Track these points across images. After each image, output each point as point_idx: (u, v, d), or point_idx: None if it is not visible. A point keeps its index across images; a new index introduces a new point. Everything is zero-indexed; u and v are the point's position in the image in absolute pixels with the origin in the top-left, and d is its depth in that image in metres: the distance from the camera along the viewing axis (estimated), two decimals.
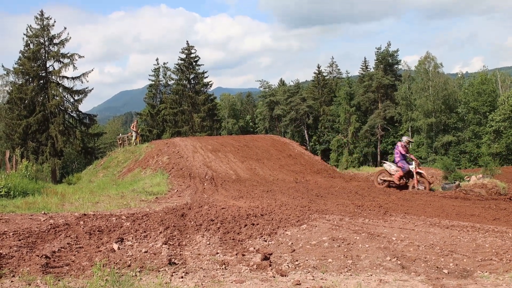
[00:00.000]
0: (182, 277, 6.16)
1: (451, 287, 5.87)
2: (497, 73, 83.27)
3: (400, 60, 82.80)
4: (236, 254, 7.44)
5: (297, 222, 10.01)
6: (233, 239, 8.56)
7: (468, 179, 20.69)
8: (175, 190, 17.02)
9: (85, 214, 10.95)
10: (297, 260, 7.15)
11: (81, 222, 9.89)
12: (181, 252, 7.67)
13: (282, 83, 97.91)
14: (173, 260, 6.99)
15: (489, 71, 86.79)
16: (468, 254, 7.69)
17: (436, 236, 8.95)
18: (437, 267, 6.90)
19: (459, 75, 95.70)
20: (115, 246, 7.84)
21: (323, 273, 6.44)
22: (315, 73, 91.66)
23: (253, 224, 9.77)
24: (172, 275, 6.24)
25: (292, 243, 8.20)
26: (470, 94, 71.34)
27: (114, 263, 6.82)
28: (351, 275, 6.40)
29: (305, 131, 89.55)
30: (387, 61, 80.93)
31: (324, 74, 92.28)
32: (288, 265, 6.90)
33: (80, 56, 51.06)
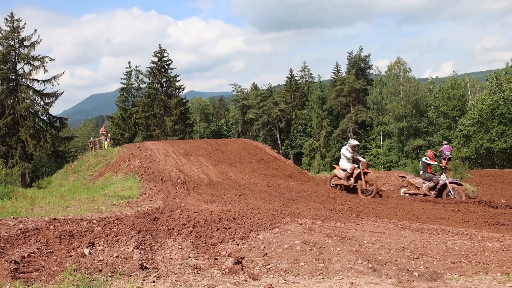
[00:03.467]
0: (153, 282, 6.14)
1: None
2: (466, 78, 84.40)
3: (372, 65, 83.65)
4: (208, 258, 7.43)
5: (269, 225, 10.03)
6: (205, 243, 8.55)
7: None
8: (147, 194, 16.92)
9: (55, 219, 10.82)
10: (269, 264, 7.17)
11: (52, 227, 9.77)
12: (153, 257, 7.63)
13: (254, 87, 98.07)
14: (144, 264, 6.96)
15: (458, 76, 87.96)
16: (438, 257, 7.79)
17: (407, 239, 9.05)
18: (408, 270, 6.98)
19: (430, 80, 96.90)
20: (86, 251, 7.77)
21: (295, 277, 6.47)
22: (287, 77, 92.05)
23: (225, 228, 9.76)
24: (143, 280, 6.21)
25: (264, 247, 8.22)
26: (440, 98, 72.26)
27: (85, 268, 6.76)
28: (323, 278, 6.44)
29: (278, 135, 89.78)
30: (359, 66, 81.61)
31: (297, 78, 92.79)
32: (260, 269, 6.92)
33: (51, 59, 50.42)
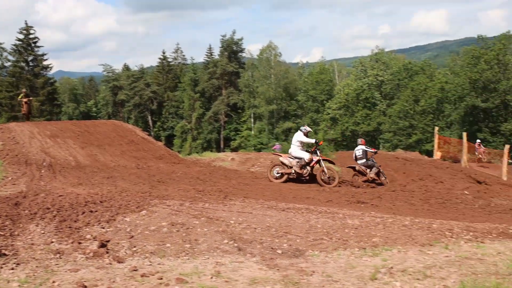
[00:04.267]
0: (12, 269, 5.88)
1: (283, 267, 6.14)
2: (334, 64, 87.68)
3: (244, 48, 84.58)
4: (72, 243, 7.23)
5: (137, 208, 9.91)
6: (69, 227, 8.30)
7: None
8: (9, 178, 16.11)
9: None
10: (134, 246, 7.09)
11: None
12: (13, 243, 7.30)
13: (126, 68, 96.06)
14: (3, 251, 6.64)
15: (327, 62, 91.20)
16: (301, 235, 8.08)
17: (273, 219, 9.29)
18: (272, 248, 7.17)
19: (300, 65, 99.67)
20: None
21: (161, 258, 6.46)
22: (160, 58, 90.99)
23: (92, 211, 9.52)
24: (1, 267, 5.93)
25: (130, 229, 8.11)
26: (309, 83, 74.66)
27: None
28: (188, 259, 6.47)
29: (149, 117, 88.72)
30: (232, 49, 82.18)
31: (169, 60, 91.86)
32: (125, 252, 6.83)
33: None
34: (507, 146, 26.07)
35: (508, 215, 12.66)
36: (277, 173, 17.33)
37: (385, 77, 70.19)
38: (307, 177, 17.15)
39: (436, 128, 31.24)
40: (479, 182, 18.70)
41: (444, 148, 30.50)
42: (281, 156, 17.92)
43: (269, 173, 17.57)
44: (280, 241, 7.61)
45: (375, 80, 70.11)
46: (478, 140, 35.31)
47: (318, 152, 17.30)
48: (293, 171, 17.00)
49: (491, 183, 18.89)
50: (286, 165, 17.24)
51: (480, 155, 33.23)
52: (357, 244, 7.52)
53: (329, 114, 69.85)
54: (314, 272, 5.91)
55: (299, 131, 17.68)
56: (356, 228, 8.69)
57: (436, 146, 29.70)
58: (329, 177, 16.79)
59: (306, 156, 16.98)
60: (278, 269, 6.00)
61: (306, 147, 17.80)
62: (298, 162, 16.99)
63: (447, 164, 24.45)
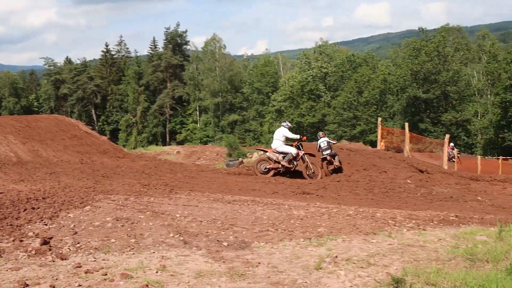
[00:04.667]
0: None
1: (229, 259, 6.15)
2: (279, 56, 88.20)
3: (188, 41, 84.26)
4: (14, 241, 7.05)
5: (80, 203, 9.75)
6: (11, 225, 8.09)
7: (250, 156, 21.73)
8: None
9: None
10: (78, 243, 6.97)
11: None
12: None
13: (68, 61, 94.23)
14: None
15: (271, 54, 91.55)
16: (247, 227, 8.10)
17: (219, 211, 9.30)
18: (218, 241, 7.17)
19: (245, 57, 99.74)
20: None
21: (105, 254, 6.37)
22: (103, 51, 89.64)
23: (34, 208, 9.31)
24: None
25: (74, 226, 7.97)
26: (254, 75, 74.84)
27: None
28: (133, 254, 6.40)
29: (93, 111, 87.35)
30: (176, 41, 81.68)
31: (113, 53, 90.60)
32: (69, 248, 6.71)
33: None
34: (447, 136, 26.82)
35: (448, 202, 13.02)
36: (265, 168, 17.40)
37: (329, 69, 70.97)
38: (292, 170, 17.48)
39: (379, 119, 31.66)
40: (421, 171, 19.11)
41: (388, 139, 31.02)
42: (267, 151, 18.02)
43: (255, 169, 17.57)
44: (226, 234, 7.62)
45: (319, 72, 70.80)
46: (451, 144, 35.56)
47: (301, 147, 17.63)
48: (280, 166, 17.18)
49: (432, 172, 19.35)
50: (273, 160, 17.34)
51: (453, 159, 33.52)
52: (302, 235, 7.59)
53: (274, 106, 70.21)
54: (259, 263, 5.94)
55: (282, 127, 17.98)
56: (302, 219, 8.78)
57: (379, 136, 30.17)
58: (313, 172, 17.26)
59: (293, 151, 17.23)
60: (224, 262, 6.01)
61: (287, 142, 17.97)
62: (284, 157, 17.17)
63: (390, 154, 24.91)
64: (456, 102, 58.50)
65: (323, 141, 18.94)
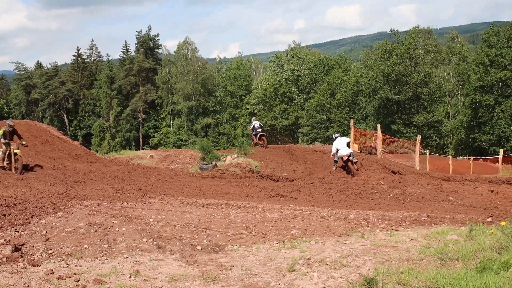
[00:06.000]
0: None
1: (203, 262, 6.16)
2: (251, 59, 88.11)
3: (161, 44, 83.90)
4: None
5: (53, 209, 9.67)
6: None
7: (224, 159, 21.71)
8: None
9: None
10: (51, 249, 6.92)
11: None
12: None
13: (39, 65, 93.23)
14: None
15: (244, 57, 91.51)
16: (221, 230, 8.12)
17: (192, 215, 9.29)
18: (192, 245, 7.18)
19: (218, 60, 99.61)
20: None
21: (78, 260, 6.34)
22: (74, 55, 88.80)
23: (5, 215, 9.21)
24: None
25: (46, 232, 7.91)
26: (227, 78, 74.78)
27: None
28: (106, 259, 6.38)
29: (65, 116, 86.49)
30: (148, 45, 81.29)
31: (84, 57, 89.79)
32: (41, 255, 6.66)
33: None
34: (419, 137, 27.13)
35: (420, 203, 13.17)
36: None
37: (301, 71, 71.08)
38: None
39: (352, 121, 31.85)
40: (393, 172, 19.28)
41: (361, 140, 31.20)
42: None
43: None
44: (200, 237, 7.63)
45: (292, 74, 70.87)
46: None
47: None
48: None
49: (405, 173, 19.52)
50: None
51: None
52: (276, 237, 7.63)
53: (247, 109, 70.14)
54: (233, 266, 5.96)
55: (343, 137, 19.47)
56: (275, 222, 8.82)
57: (352, 138, 30.36)
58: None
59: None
60: (197, 265, 6.02)
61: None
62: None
63: (363, 155, 25.08)
64: (428, 104, 59.01)
65: (257, 123, 26.76)
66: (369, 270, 5.68)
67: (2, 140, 18.49)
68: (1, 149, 18.22)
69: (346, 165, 18.35)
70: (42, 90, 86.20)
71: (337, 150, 18.56)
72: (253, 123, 27.32)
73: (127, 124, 78.22)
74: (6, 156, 18.01)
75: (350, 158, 18.18)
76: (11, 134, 19.01)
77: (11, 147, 17.95)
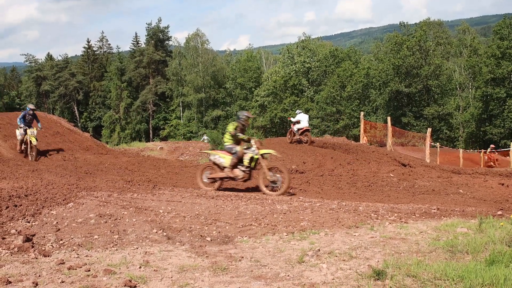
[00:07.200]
0: None
1: (212, 253, 6.17)
2: (261, 51, 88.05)
3: (171, 36, 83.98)
4: None
5: (63, 200, 9.72)
6: None
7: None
8: None
9: None
10: (61, 239, 6.96)
11: None
12: None
13: (50, 57, 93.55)
14: None
15: (254, 49, 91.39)
16: (231, 222, 8.13)
17: (202, 206, 9.31)
18: (201, 236, 7.19)
19: (228, 52, 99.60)
20: None
21: (88, 250, 6.37)
22: (84, 47, 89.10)
23: (16, 206, 9.27)
24: None
25: (57, 222, 7.96)
26: (237, 70, 74.74)
27: None
28: (117, 249, 6.41)
29: (75, 108, 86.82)
30: (158, 37, 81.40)
31: (94, 49, 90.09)
32: (52, 245, 6.69)
33: None
34: (429, 130, 27.06)
35: (430, 195, 13.14)
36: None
37: (312, 64, 70.92)
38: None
39: (362, 113, 31.80)
40: (403, 165, 19.26)
41: (371, 133, 31.16)
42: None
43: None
44: (209, 229, 7.64)
45: (302, 67, 70.70)
46: (491, 146, 34.61)
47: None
48: None
49: (415, 166, 19.49)
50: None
51: (492, 163, 31.21)
52: (285, 229, 7.63)
53: (257, 101, 70.06)
54: (242, 257, 5.97)
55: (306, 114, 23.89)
56: (285, 213, 8.82)
57: (362, 131, 30.30)
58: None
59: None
60: (207, 256, 6.03)
61: None
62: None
63: (373, 148, 25.05)
64: (438, 96, 58.75)
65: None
66: (378, 262, 5.68)
67: (22, 124, 19.07)
68: (20, 133, 19.43)
69: (301, 135, 23.12)
70: (52, 82, 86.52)
71: (299, 122, 22.99)
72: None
73: (137, 116, 78.46)
74: (23, 141, 19.34)
75: (307, 131, 23.16)
76: (32, 117, 19.61)
77: (29, 133, 18.98)
